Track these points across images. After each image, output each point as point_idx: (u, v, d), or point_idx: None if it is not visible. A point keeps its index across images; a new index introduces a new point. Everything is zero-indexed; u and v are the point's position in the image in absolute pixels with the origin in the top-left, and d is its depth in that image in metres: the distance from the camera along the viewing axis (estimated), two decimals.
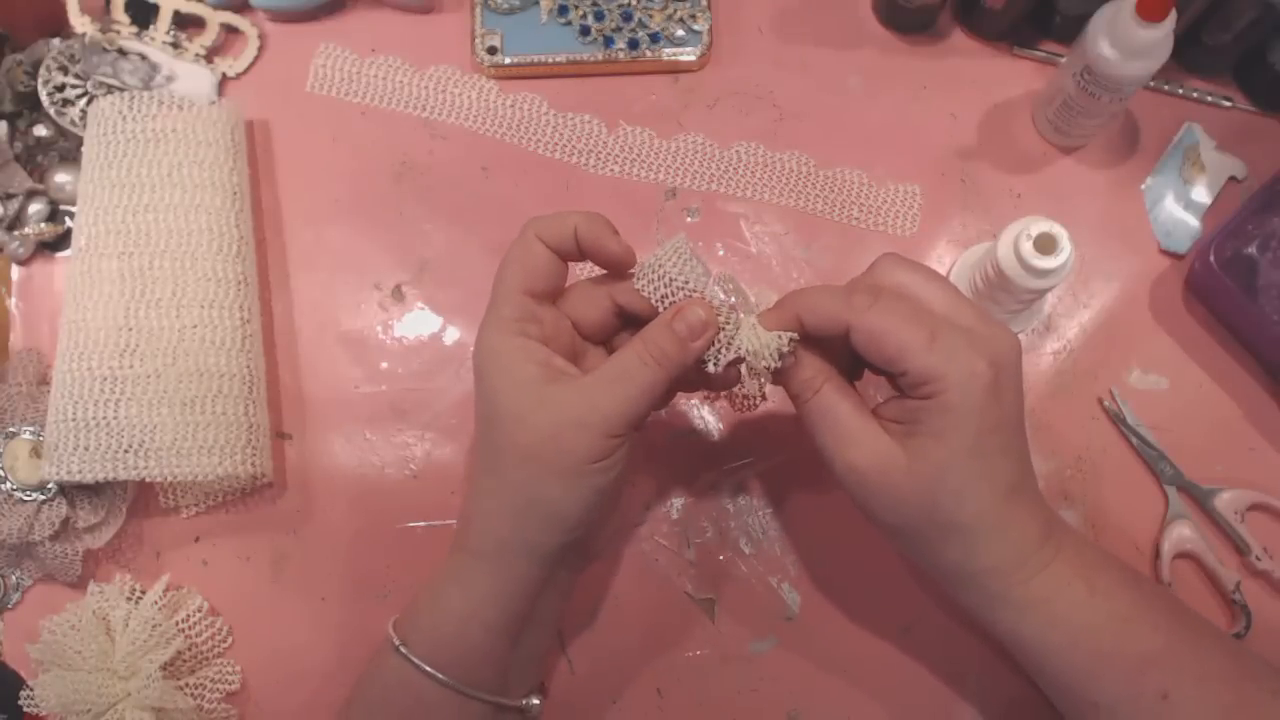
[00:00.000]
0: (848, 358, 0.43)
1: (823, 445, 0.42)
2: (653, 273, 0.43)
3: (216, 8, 0.60)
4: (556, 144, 0.60)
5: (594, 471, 0.40)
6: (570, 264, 0.44)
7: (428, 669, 0.42)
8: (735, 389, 0.45)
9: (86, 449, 0.48)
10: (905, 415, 0.41)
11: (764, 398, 0.46)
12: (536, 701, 0.45)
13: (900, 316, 0.39)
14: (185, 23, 0.60)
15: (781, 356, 0.41)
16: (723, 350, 0.42)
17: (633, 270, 0.44)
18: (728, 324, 0.42)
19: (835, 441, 0.41)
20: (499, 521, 0.42)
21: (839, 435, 0.41)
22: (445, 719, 0.42)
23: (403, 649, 0.42)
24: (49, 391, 0.51)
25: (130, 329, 0.50)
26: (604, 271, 0.45)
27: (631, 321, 0.45)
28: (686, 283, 0.42)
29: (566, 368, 0.43)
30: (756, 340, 0.41)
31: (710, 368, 0.42)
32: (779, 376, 0.43)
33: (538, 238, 0.43)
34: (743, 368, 0.43)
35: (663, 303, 0.43)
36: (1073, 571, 0.42)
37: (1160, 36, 0.49)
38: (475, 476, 0.44)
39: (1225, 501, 0.53)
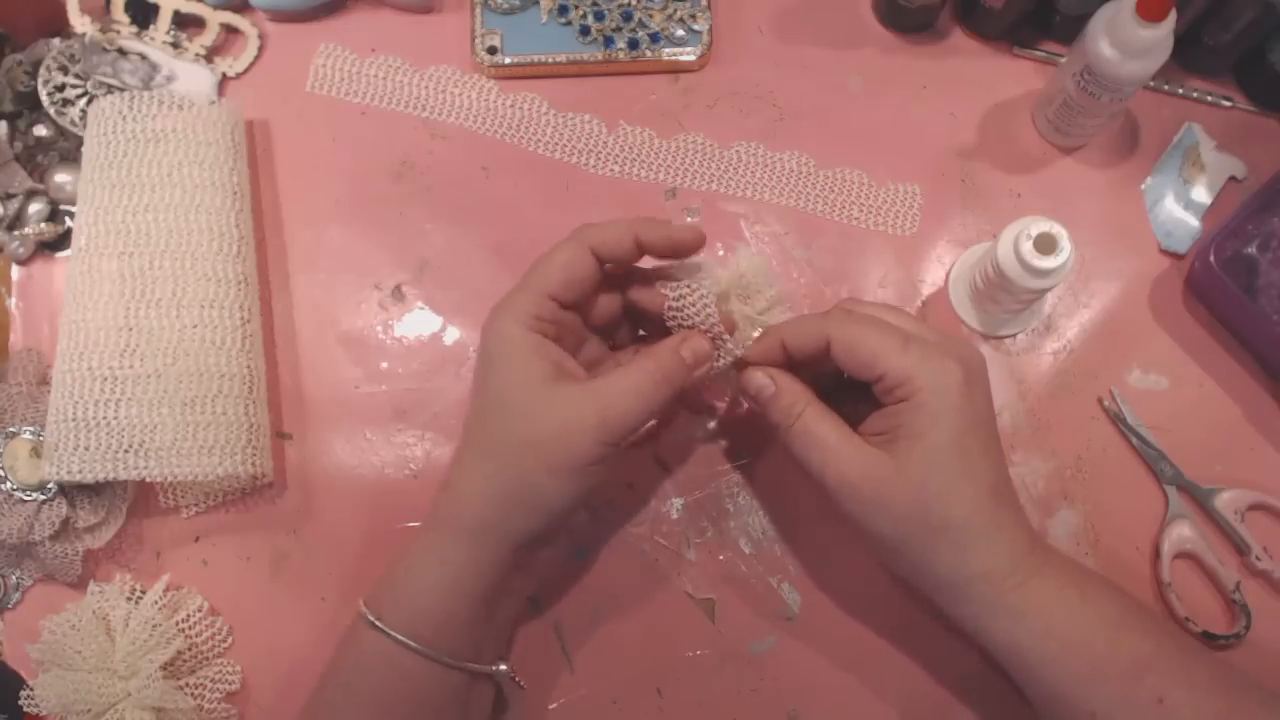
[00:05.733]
0: (825, 386, 0.46)
1: (811, 465, 0.44)
2: (687, 294, 0.45)
3: (216, 8, 0.60)
4: (556, 144, 0.60)
5: (588, 473, 0.43)
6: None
7: (410, 642, 0.42)
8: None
9: (86, 449, 0.48)
10: (886, 424, 0.43)
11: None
12: (504, 668, 0.46)
13: (874, 326, 0.43)
14: (185, 23, 0.60)
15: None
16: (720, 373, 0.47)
17: (665, 275, 0.46)
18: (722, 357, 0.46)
19: (823, 459, 0.43)
20: (485, 504, 0.43)
21: (825, 452, 0.43)
22: (425, 689, 0.43)
23: (380, 624, 0.43)
24: (49, 391, 0.51)
25: (130, 329, 0.50)
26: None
27: (633, 316, 0.48)
28: (704, 317, 0.45)
29: (576, 370, 0.45)
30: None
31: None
32: (762, 409, 0.46)
33: (591, 249, 0.44)
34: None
35: (677, 317, 0.45)
36: (1062, 579, 0.43)
37: (1160, 36, 0.49)
38: (465, 456, 0.45)
39: (1225, 501, 0.53)
